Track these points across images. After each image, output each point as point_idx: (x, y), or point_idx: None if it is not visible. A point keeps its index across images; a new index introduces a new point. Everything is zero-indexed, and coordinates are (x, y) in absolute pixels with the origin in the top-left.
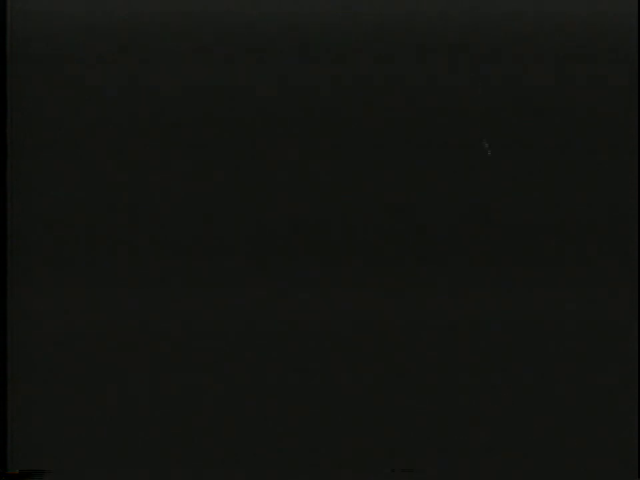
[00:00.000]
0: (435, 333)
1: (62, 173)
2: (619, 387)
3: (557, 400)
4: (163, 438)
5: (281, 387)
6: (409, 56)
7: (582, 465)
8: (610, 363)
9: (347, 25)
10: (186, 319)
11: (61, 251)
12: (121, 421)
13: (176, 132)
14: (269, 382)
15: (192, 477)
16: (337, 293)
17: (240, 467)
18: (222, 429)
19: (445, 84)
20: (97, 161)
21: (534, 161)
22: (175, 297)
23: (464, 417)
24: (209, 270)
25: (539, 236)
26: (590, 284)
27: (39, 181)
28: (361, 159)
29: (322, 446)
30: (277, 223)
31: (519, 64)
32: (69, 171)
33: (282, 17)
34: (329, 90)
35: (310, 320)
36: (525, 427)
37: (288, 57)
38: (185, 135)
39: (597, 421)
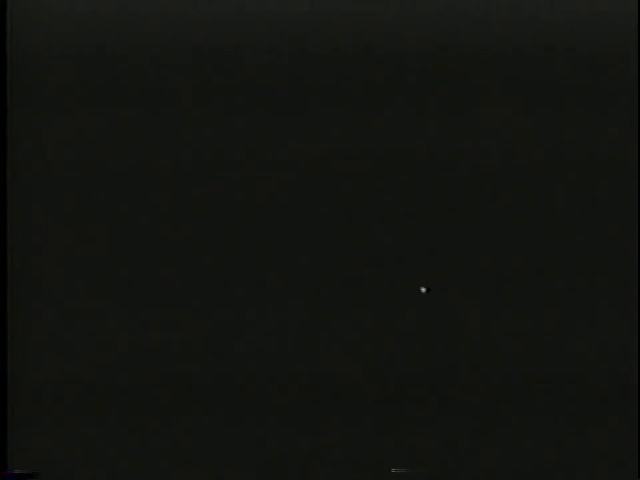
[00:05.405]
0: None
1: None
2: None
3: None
4: (162, 437)
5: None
6: None
7: (583, 465)
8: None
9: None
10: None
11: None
12: (120, 421)
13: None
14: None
15: (190, 476)
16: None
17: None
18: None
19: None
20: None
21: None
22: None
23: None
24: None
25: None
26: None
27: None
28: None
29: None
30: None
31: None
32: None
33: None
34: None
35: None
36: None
37: None
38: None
39: (596, 421)
